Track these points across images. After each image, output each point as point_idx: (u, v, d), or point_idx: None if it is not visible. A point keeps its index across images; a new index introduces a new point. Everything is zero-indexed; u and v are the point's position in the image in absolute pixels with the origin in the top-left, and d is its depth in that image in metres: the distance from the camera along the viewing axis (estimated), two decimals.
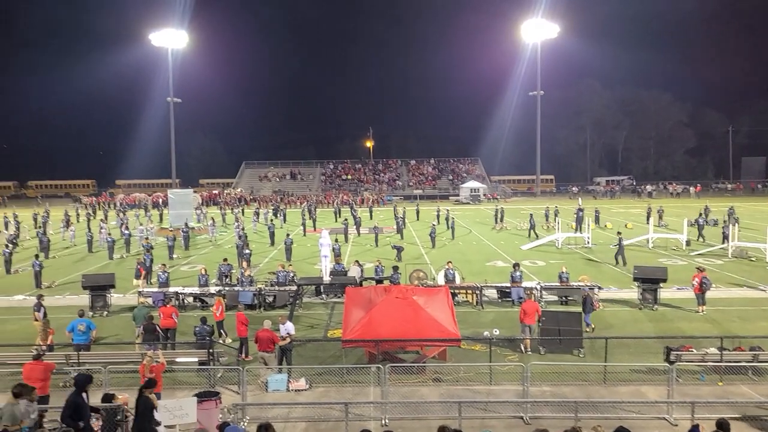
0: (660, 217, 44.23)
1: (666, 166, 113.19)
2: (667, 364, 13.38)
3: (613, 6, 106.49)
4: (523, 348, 16.35)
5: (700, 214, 39.54)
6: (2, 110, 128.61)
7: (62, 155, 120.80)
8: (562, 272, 21.92)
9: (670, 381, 12.48)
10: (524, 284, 21.61)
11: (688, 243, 33.75)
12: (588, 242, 34.68)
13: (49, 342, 16.32)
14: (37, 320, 17.14)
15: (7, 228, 42.32)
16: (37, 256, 27.28)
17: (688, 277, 22.32)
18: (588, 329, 17.67)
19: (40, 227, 44.20)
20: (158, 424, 10.38)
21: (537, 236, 37.24)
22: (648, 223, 38.36)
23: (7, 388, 13.95)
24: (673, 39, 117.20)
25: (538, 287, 21.43)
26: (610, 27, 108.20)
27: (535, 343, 16.37)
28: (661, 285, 21.03)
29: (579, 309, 18.31)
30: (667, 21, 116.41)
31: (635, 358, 15.07)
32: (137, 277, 23.98)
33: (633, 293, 21.73)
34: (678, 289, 22.82)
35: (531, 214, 41.33)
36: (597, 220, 43.81)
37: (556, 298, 21.59)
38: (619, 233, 30.07)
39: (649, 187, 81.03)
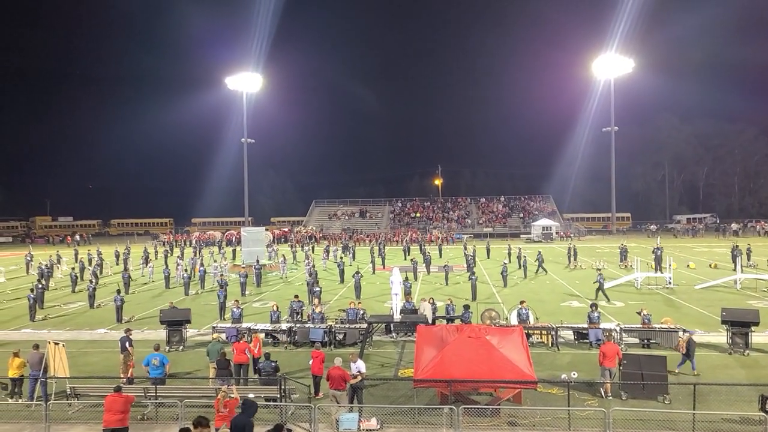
0: (748, 257, 41.80)
1: (752, 203, 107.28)
2: (763, 414, 12.42)
3: (690, 38, 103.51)
4: (603, 392, 15.56)
5: None
6: (88, 153, 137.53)
7: (142, 195, 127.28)
8: (644, 313, 20.91)
9: None
10: (602, 325, 20.75)
11: None
12: (670, 282, 33.04)
13: (129, 375, 16.78)
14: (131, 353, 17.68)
15: (91, 264, 44.40)
16: (118, 291, 28.37)
17: None
18: (695, 374, 16.85)
19: (121, 264, 46.17)
20: None
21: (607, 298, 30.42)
22: (734, 262, 36.30)
23: (89, 419, 14.44)
24: (756, 70, 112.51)
25: (618, 329, 20.50)
26: (687, 60, 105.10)
27: (617, 388, 15.54)
28: (753, 329, 19.69)
29: (663, 352, 17.33)
30: (747, 52, 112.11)
31: (727, 407, 14.05)
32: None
33: (721, 337, 20.44)
34: None
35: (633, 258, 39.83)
36: (749, 257, 42.41)
37: (636, 340, 20.55)
38: (598, 269, 30.80)
39: (734, 225, 76.88)
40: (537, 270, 29.42)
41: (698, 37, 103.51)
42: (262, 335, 20.84)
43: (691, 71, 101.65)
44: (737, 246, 41.38)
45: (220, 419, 12.08)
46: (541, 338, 20.88)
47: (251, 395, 15.18)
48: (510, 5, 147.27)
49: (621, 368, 15.73)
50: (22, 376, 16.17)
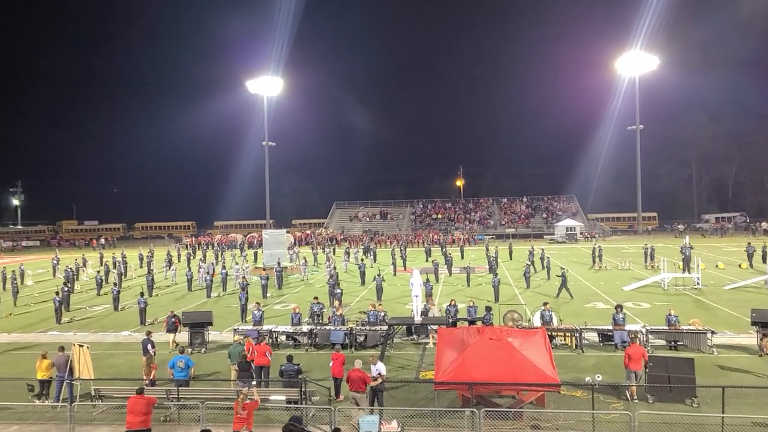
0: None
1: None
2: None
3: (718, 33, 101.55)
4: (628, 395, 15.26)
5: None
6: (113, 158, 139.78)
7: (165, 199, 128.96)
8: (670, 315, 20.51)
9: None
10: (628, 327, 20.38)
11: None
12: (698, 283, 32.39)
13: (151, 377, 16.88)
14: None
15: (115, 267, 44.96)
16: (142, 294, 28.67)
17: None
18: None
19: (145, 267, 46.69)
20: None
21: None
22: (765, 262, 35.52)
23: (113, 420, 14.55)
24: None
25: (644, 330, 20.12)
26: (714, 56, 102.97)
27: (643, 391, 15.23)
28: None
29: (690, 354, 16.93)
30: None
31: (756, 410, 13.69)
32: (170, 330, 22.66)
33: (751, 339, 19.93)
34: None
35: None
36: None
37: (663, 342, 20.13)
38: (562, 268, 31.67)
39: (765, 224, 75.25)
40: (558, 293, 29.07)
41: (726, 32, 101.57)
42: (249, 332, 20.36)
43: (718, 67, 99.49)
44: (766, 245, 40.54)
45: (239, 422, 12.07)
46: (565, 340, 20.58)
47: (272, 397, 15.21)
48: (533, 4, 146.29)
49: (647, 371, 15.41)
50: (50, 377, 16.38)
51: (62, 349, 16.78)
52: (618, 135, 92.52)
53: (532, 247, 47.96)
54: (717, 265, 40.66)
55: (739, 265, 40.18)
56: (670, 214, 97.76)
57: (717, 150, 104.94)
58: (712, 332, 19.79)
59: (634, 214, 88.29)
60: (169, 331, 22.32)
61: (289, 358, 15.93)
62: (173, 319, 22.45)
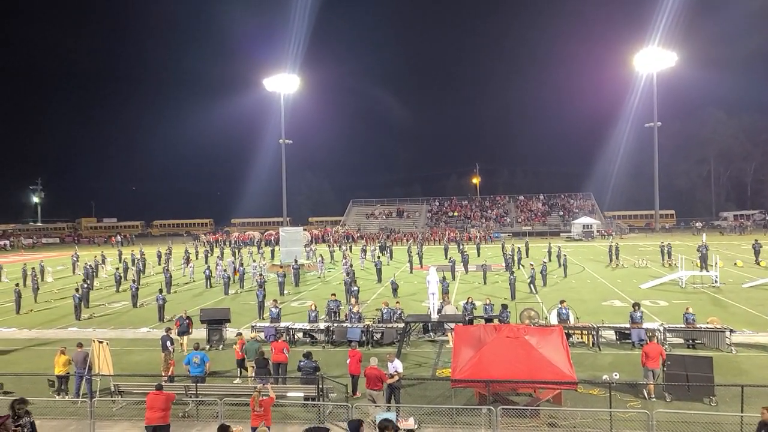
0: None
1: None
2: None
3: (737, 29, 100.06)
4: (646, 394, 15.17)
5: None
6: (131, 157, 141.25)
7: (183, 196, 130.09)
8: (688, 313, 20.34)
9: None
10: (645, 325, 20.24)
11: None
12: (716, 281, 32.06)
13: (170, 373, 17.06)
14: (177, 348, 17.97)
15: (134, 264, 45.45)
16: (161, 291, 28.95)
17: None
18: None
19: (164, 264, 47.14)
20: None
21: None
22: None
23: (132, 416, 14.73)
24: None
25: (661, 329, 19.97)
26: (734, 52, 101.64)
27: (660, 389, 15.13)
28: None
29: (708, 353, 16.78)
30: None
31: None
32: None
33: None
34: None
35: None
36: None
37: (681, 341, 19.98)
38: (531, 264, 33.03)
39: None
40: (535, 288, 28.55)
41: (745, 27, 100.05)
42: (247, 335, 19.82)
43: (738, 64, 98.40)
44: None
45: (256, 418, 12.16)
46: (582, 338, 20.49)
47: (290, 393, 15.31)
48: (549, 0, 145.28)
49: (665, 369, 15.31)
50: (68, 373, 16.61)
51: (81, 345, 17.01)
52: (636, 132, 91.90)
53: (550, 246, 47.75)
54: (735, 263, 40.21)
55: (758, 263, 39.71)
56: (688, 212, 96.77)
57: (736, 147, 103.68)
58: (731, 330, 19.60)
59: (652, 211, 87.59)
60: (180, 333, 21.17)
61: (308, 355, 16.01)
62: (186, 321, 21.46)
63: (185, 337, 21.47)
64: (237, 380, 17.35)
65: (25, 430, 10.82)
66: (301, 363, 15.86)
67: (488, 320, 21.67)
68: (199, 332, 22.47)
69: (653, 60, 77.75)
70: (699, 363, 15.33)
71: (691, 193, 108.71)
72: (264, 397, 12.41)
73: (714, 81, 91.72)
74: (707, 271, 34.53)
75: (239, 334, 19.37)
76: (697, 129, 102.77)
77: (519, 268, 41.32)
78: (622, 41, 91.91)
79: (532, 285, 32.19)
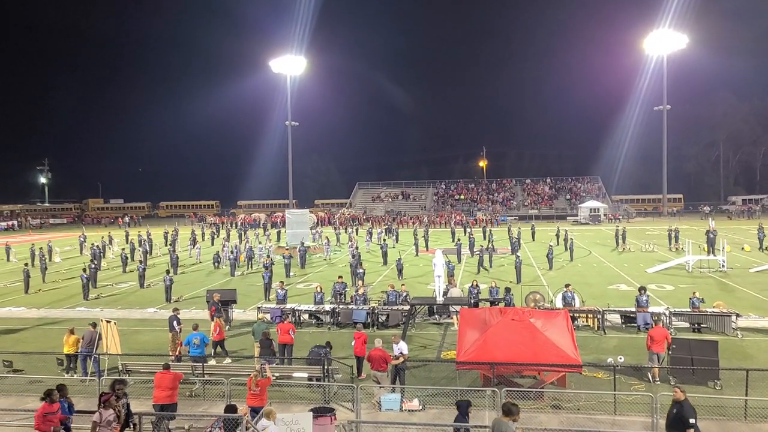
0: None
1: None
2: None
3: (749, 11, 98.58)
4: (650, 377, 15.18)
5: None
6: (137, 138, 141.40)
7: (190, 178, 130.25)
8: (694, 297, 20.31)
9: None
10: (651, 309, 20.24)
11: None
12: (723, 266, 31.95)
13: (177, 353, 17.19)
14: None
15: (140, 245, 45.63)
16: (168, 272, 29.04)
17: None
18: None
19: (170, 245, 47.34)
20: None
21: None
22: None
23: (140, 395, 14.85)
24: None
25: (667, 313, 19.95)
26: (745, 34, 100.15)
27: (665, 373, 15.15)
28: None
29: (714, 337, 16.77)
30: None
31: None
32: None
33: None
34: None
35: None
36: None
37: (687, 325, 19.98)
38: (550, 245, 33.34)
39: None
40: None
41: (759, 9, 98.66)
42: (253, 317, 19.35)
43: (749, 46, 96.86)
44: None
45: (252, 398, 12.26)
46: (587, 322, 20.52)
47: (295, 374, 15.42)
48: None
49: (670, 353, 15.32)
50: (77, 352, 16.75)
51: (94, 325, 17.03)
52: (644, 115, 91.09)
53: (558, 229, 47.59)
54: (743, 248, 40.07)
55: (765, 248, 39.55)
56: (696, 196, 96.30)
57: (746, 131, 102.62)
58: (737, 315, 19.57)
59: (660, 195, 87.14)
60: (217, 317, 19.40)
61: (327, 344, 16.13)
62: (219, 304, 20.46)
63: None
64: (212, 360, 17.19)
65: (122, 410, 11.00)
66: (315, 347, 16.05)
67: (493, 303, 21.70)
68: (203, 313, 22.61)
69: (664, 42, 76.84)
70: (704, 347, 15.33)
71: (700, 177, 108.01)
72: (262, 377, 12.48)
73: (725, 64, 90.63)
74: (714, 255, 34.43)
75: (214, 317, 19.22)
76: (707, 112, 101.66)
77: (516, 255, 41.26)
78: (632, 23, 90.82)
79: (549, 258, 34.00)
